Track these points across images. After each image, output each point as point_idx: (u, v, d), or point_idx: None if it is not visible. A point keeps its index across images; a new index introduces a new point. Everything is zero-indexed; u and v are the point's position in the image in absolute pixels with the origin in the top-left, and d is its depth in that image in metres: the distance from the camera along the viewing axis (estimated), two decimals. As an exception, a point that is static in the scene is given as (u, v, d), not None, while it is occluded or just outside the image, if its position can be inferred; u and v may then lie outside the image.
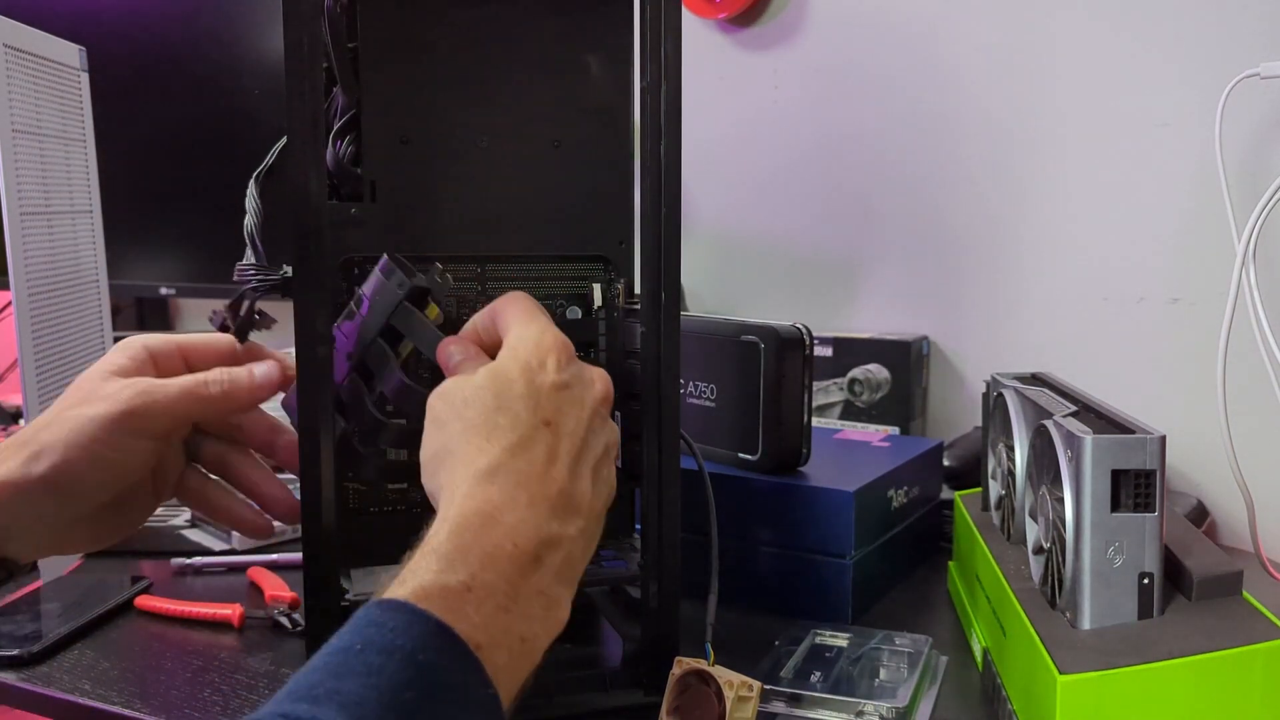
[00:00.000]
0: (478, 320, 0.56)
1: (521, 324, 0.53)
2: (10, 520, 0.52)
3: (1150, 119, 0.95)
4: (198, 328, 1.52)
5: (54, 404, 0.55)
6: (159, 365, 0.58)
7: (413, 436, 0.53)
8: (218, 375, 0.56)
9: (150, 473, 0.58)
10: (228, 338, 0.60)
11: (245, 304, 0.61)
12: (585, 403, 0.51)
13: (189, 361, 0.59)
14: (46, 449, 0.53)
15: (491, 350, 0.54)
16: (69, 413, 0.54)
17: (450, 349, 0.55)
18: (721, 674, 0.55)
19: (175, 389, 0.55)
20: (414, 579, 0.42)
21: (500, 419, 0.48)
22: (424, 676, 0.38)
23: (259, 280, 0.59)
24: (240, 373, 0.57)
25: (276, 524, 0.61)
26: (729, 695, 0.54)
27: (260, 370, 0.57)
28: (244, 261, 0.60)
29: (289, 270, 0.59)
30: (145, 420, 0.54)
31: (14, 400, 1.27)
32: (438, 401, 0.51)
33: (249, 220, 0.60)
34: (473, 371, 0.51)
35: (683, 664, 0.56)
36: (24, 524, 0.53)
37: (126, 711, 0.61)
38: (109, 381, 0.55)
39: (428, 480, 0.50)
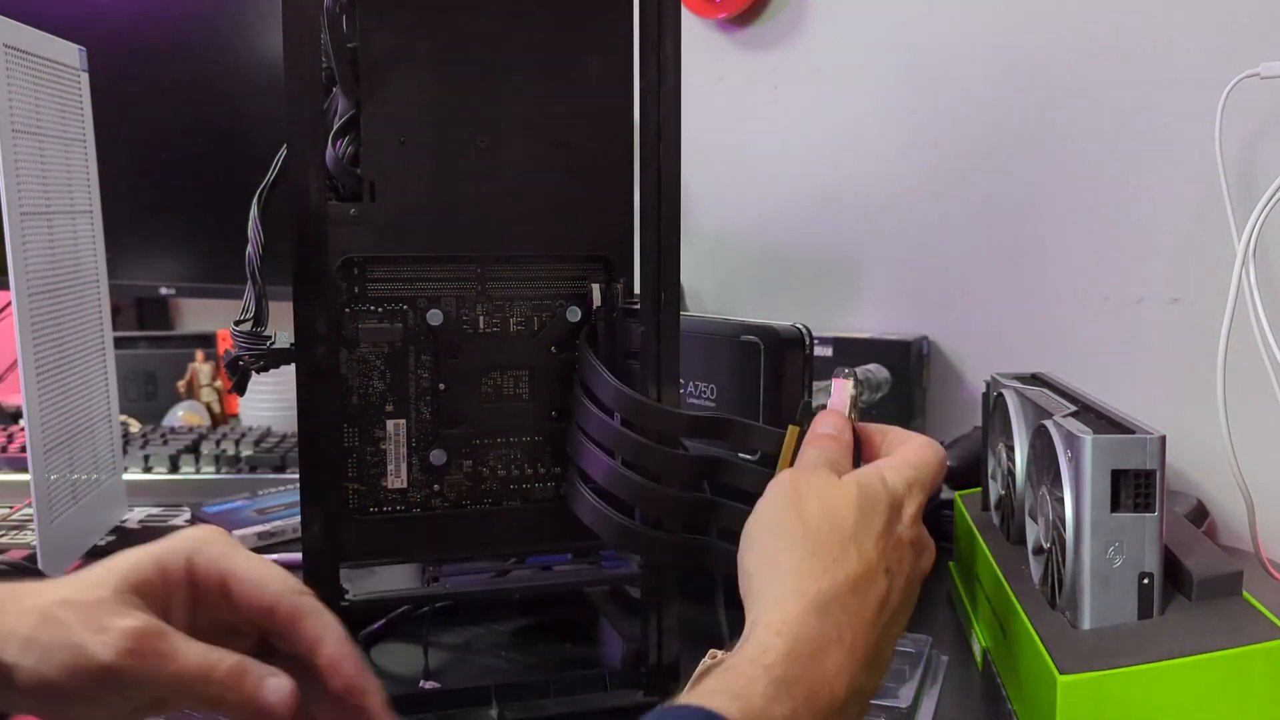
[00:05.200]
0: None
1: (916, 445, 0.51)
2: None
3: (1150, 119, 0.95)
4: (198, 328, 1.52)
5: (71, 577, 0.45)
6: (199, 589, 0.47)
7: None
8: (230, 666, 0.44)
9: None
10: (282, 576, 0.47)
11: (240, 367, 0.60)
12: (919, 567, 0.49)
13: (232, 598, 0.47)
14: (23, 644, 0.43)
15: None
16: (56, 617, 0.43)
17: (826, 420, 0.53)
18: None
19: (192, 663, 0.43)
20: (743, 698, 0.41)
21: (852, 549, 0.46)
22: None
23: (250, 353, 0.59)
24: (251, 677, 0.44)
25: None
26: None
27: (272, 686, 0.44)
28: (238, 322, 0.60)
29: (275, 339, 0.60)
30: (133, 684, 0.43)
31: (14, 400, 1.27)
32: (791, 487, 0.49)
33: (250, 251, 0.60)
34: (833, 473, 0.49)
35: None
36: None
37: (126, 711, 0.61)
38: (120, 609, 0.44)
39: (744, 560, 0.49)
